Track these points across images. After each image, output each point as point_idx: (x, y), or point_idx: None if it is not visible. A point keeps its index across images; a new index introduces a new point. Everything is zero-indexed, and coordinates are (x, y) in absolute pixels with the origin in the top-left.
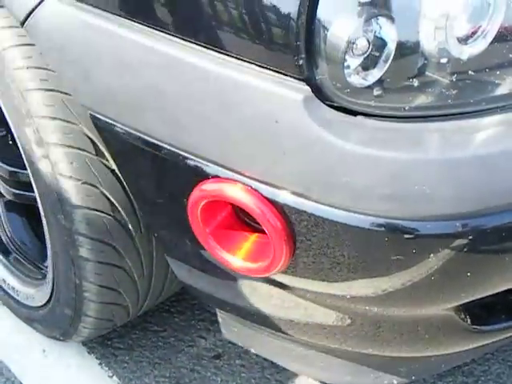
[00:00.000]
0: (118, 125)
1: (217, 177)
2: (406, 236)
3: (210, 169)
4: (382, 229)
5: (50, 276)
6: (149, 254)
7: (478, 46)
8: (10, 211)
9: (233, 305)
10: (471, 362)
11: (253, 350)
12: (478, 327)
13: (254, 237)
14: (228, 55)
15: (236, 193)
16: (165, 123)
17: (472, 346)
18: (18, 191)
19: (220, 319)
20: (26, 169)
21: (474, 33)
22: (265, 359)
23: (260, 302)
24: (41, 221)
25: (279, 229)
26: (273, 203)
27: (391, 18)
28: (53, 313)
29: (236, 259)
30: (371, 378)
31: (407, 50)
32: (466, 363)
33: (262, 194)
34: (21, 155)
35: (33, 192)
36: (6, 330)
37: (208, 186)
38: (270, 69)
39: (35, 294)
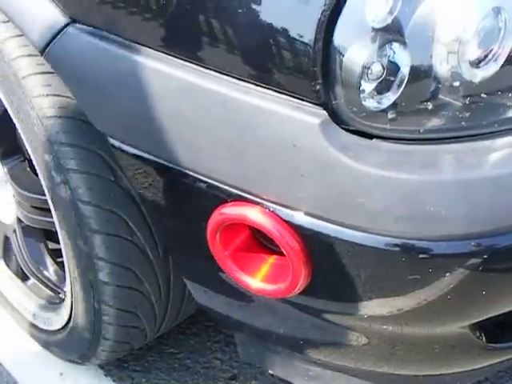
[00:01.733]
0: (137, 151)
1: (236, 200)
2: (422, 256)
3: (229, 192)
4: (398, 249)
5: (68, 300)
6: (166, 277)
7: (489, 70)
8: (27, 236)
9: (250, 326)
10: (484, 380)
11: (270, 371)
12: (493, 345)
13: (272, 259)
14: (246, 81)
15: (255, 215)
16: (184, 148)
17: (486, 363)
18: (36, 216)
19: (237, 340)
20: (44, 194)
21: (485, 56)
22: (280, 380)
23: (277, 323)
24: (58, 245)
25: (297, 250)
26: (291, 225)
27: (404, 43)
28: (71, 336)
29: (255, 281)
30: None
31: (420, 74)
32: (479, 381)
33: (280, 217)
34: (39, 181)
35: (51, 217)
36: (22, 352)
37: (227, 210)
38: (287, 94)
39: (53, 318)
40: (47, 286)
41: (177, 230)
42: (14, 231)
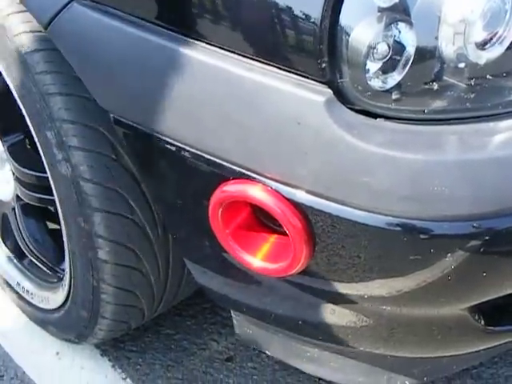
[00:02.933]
0: (140, 127)
1: (238, 178)
2: (424, 236)
3: (232, 170)
4: (401, 229)
5: (66, 278)
6: (165, 256)
7: (494, 52)
8: (26, 214)
9: (249, 306)
10: (479, 365)
11: (267, 352)
12: (492, 328)
13: (273, 238)
14: (251, 58)
15: (257, 193)
16: (187, 125)
17: (484, 346)
18: (36, 194)
19: (234, 321)
20: (44, 172)
21: (491, 38)
22: (276, 362)
23: (276, 303)
24: (58, 224)
25: (299, 229)
26: (293, 203)
27: (411, 23)
28: (68, 315)
29: (256, 260)
30: (384, 379)
31: (426, 54)
32: (475, 366)
33: (282, 195)
34: (39, 158)
35: (51, 195)
36: (18, 332)
37: (229, 187)
38: (292, 72)
39: (50, 297)
40: (45, 265)
41: (178, 208)
42: (13, 209)
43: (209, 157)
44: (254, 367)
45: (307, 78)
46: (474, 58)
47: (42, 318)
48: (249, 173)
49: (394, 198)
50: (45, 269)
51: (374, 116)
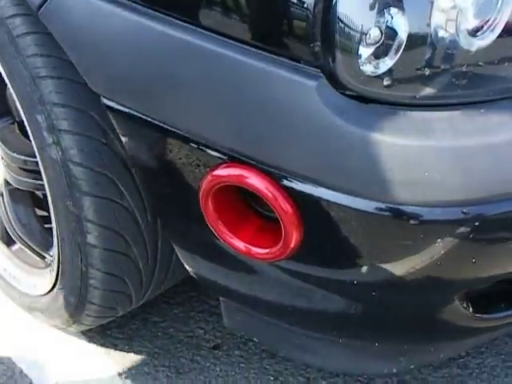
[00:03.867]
0: (131, 111)
1: (230, 162)
2: (415, 221)
3: (223, 154)
4: (391, 214)
5: (54, 264)
6: (154, 242)
7: (486, 39)
8: (14, 200)
9: (238, 292)
10: (466, 354)
11: (255, 340)
12: (480, 315)
13: (264, 223)
14: (245, 42)
15: (248, 178)
16: (179, 109)
17: (471, 334)
18: (25, 179)
19: (223, 308)
20: (33, 156)
21: (482, 26)
22: (263, 350)
23: (265, 290)
24: (45, 210)
25: (290, 213)
26: (284, 188)
27: (403, 9)
28: (56, 301)
29: (246, 244)
30: (371, 366)
31: (418, 40)
32: (461, 356)
33: (273, 179)
34: (28, 143)
35: (40, 179)
36: (3, 318)
37: (221, 172)
38: (285, 56)
39: (37, 283)
40: (33, 251)
41: (168, 193)
42: (1, 194)
43: (200, 141)
44: (241, 355)
45: (300, 62)
46: (465, 44)
47: (28, 304)
48: (240, 157)
49: (385, 183)
50: (32, 254)
51: (366, 101)
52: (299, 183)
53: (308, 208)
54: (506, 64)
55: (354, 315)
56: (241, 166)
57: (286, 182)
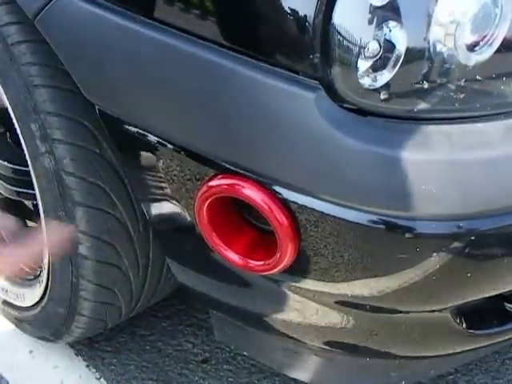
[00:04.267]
0: (126, 121)
1: (225, 173)
2: (411, 235)
3: (218, 165)
4: (388, 227)
5: (44, 275)
6: (146, 254)
7: (484, 54)
8: (3, 210)
9: (229, 305)
10: (455, 372)
11: (245, 353)
12: (473, 331)
13: (259, 235)
14: (243, 53)
15: (244, 189)
16: (174, 120)
17: (463, 349)
18: (16, 188)
19: (213, 321)
20: (25, 166)
21: (480, 41)
22: (252, 364)
23: (258, 302)
24: (34, 221)
25: (285, 225)
26: (280, 200)
27: (402, 23)
28: (44, 312)
29: (240, 257)
30: (363, 381)
31: (416, 54)
32: (450, 373)
33: (269, 191)
34: (20, 152)
35: (32, 189)
36: None
37: (216, 183)
38: (283, 67)
39: (26, 294)
40: None
41: (161, 204)
42: None
43: (195, 152)
44: (230, 369)
45: (298, 74)
46: (463, 59)
47: (16, 316)
48: (236, 168)
49: (381, 196)
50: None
51: (364, 114)
52: (295, 195)
53: (304, 220)
54: (504, 79)
55: (345, 330)
56: (236, 178)
57: (282, 194)
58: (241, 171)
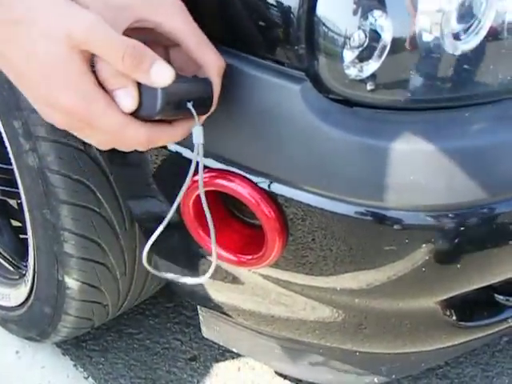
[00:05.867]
0: None
1: (210, 168)
2: (400, 226)
3: (205, 160)
4: (376, 219)
5: (29, 274)
6: (132, 252)
7: (470, 43)
8: None
9: (217, 301)
10: (445, 364)
11: (234, 350)
12: (464, 323)
13: (246, 229)
14: (228, 45)
15: (230, 183)
16: None
17: (454, 342)
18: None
19: (201, 318)
20: (8, 163)
21: (467, 29)
22: (241, 361)
23: (245, 298)
24: (18, 220)
25: (273, 218)
26: (266, 193)
27: (387, 12)
28: (30, 312)
29: (227, 251)
30: (353, 376)
31: (402, 44)
32: (440, 366)
33: (255, 184)
34: (3, 150)
35: (15, 187)
36: None
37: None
38: (268, 59)
39: (11, 294)
40: (7, 261)
41: (147, 201)
42: None
43: (180, 147)
44: (219, 366)
45: (284, 65)
46: (450, 48)
47: (1, 316)
48: (221, 162)
49: (369, 187)
50: (6, 265)
51: (351, 104)
52: (282, 188)
53: (291, 214)
54: (491, 67)
55: (335, 323)
56: (222, 172)
57: (268, 188)
58: (227, 165)
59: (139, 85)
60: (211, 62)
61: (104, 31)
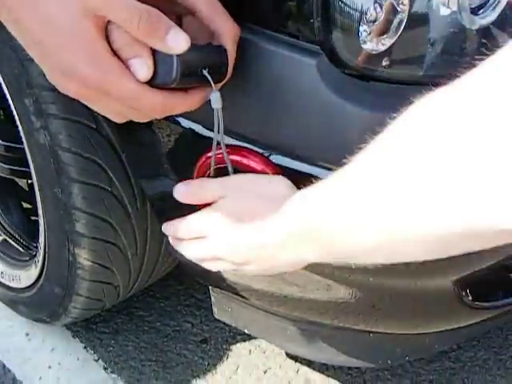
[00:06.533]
0: None
1: (225, 145)
2: None
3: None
4: None
5: (40, 254)
6: (143, 232)
7: (488, 18)
8: None
9: (229, 281)
10: (458, 348)
11: (246, 331)
12: (480, 303)
13: None
14: (242, 19)
15: (243, 158)
16: None
17: (469, 322)
18: (10, 166)
19: (213, 299)
20: (19, 143)
21: (484, 3)
22: (252, 343)
23: (255, 277)
24: (28, 202)
25: None
26: (281, 168)
27: None
28: (41, 293)
29: None
30: (365, 357)
31: (419, 18)
32: (453, 349)
33: (269, 159)
34: (13, 129)
35: (26, 167)
36: None
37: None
38: (284, 33)
39: (22, 275)
40: (17, 242)
41: (160, 179)
42: None
43: (193, 123)
44: (230, 349)
45: (299, 39)
46: (467, 23)
47: (11, 298)
48: (236, 137)
49: None
50: (17, 246)
51: (368, 79)
52: (297, 164)
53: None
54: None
55: (349, 303)
56: (236, 147)
57: (283, 162)
58: (241, 141)
59: (154, 53)
60: (226, 29)
61: None
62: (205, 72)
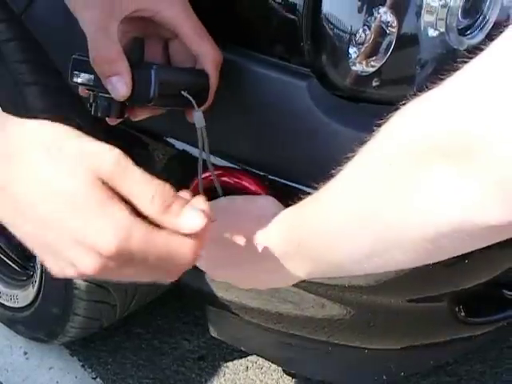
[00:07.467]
0: None
1: (216, 165)
2: None
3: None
4: None
5: (37, 274)
6: None
7: (475, 38)
8: None
9: (224, 299)
10: (454, 362)
11: (243, 349)
12: (472, 319)
13: None
14: (234, 43)
15: (235, 179)
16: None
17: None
18: None
19: (208, 317)
20: None
21: (472, 24)
22: (249, 360)
23: (253, 295)
24: None
25: None
26: (273, 189)
27: (393, 9)
28: (39, 313)
29: None
30: (362, 375)
31: (408, 40)
32: (449, 363)
33: (261, 180)
34: None
35: None
36: None
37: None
38: (274, 55)
39: (19, 295)
40: (15, 262)
41: None
42: None
43: (188, 146)
44: (227, 366)
45: (289, 62)
46: (455, 43)
47: (9, 317)
48: (230, 160)
49: None
50: (14, 266)
51: (357, 100)
52: (290, 185)
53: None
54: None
55: (344, 320)
56: (228, 169)
57: (276, 185)
58: (232, 162)
59: (133, 73)
60: (207, 53)
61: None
62: (184, 93)
